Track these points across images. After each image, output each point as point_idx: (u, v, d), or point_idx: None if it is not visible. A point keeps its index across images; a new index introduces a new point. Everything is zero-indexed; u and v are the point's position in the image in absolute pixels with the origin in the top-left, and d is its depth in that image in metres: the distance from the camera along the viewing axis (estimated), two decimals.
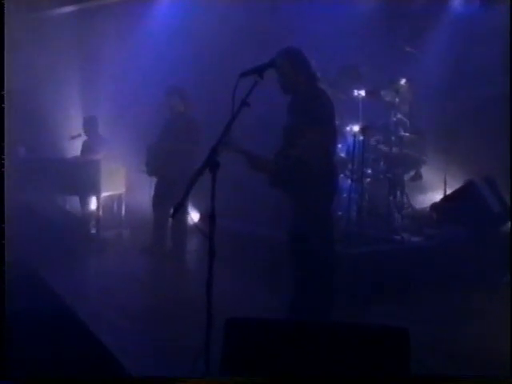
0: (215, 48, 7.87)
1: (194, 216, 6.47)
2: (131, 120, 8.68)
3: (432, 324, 4.52)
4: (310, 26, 7.31)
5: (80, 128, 8.42)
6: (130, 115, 8.80)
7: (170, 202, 6.18)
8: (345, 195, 6.23)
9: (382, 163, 6.65)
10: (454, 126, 7.40)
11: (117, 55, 8.89)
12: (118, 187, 8.23)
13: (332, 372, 2.52)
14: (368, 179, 6.53)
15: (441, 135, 7.33)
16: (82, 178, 7.72)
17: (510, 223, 6.40)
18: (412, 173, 7.05)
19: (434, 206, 6.88)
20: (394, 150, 6.56)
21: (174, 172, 6.17)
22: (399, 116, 6.72)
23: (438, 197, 7.17)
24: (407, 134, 6.68)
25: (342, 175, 6.14)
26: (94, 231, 7.80)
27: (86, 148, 8.40)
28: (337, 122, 4.39)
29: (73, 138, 8.44)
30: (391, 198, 6.59)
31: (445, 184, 7.24)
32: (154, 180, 6.75)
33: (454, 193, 6.81)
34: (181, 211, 3.05)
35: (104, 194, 7.91)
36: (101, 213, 7.84)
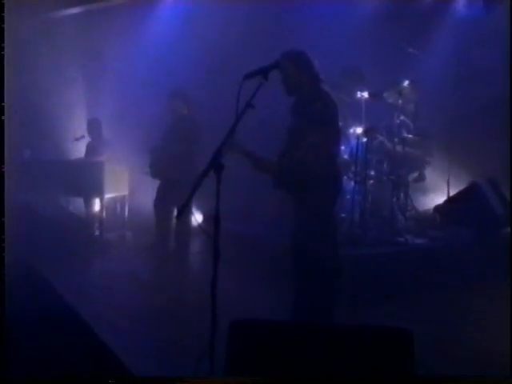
0: (219, 50, 7.88)
1: (198, 217, 6.48)
2: (135, 122, 8.69)
3: (436, 325, 4.52)
4: (314, 28, 7.33)
5: (84, 130, 8.45)
6: (133, 117, 8.82)
7: (173, 203, 6.21)
8: (348, 197, 6.23)
9: (385, 165, 6.66)
10: (457, 128, 7.40)
11: (120, 57, 8.90)
12: (121, 189, 8.24)
13: (335, 373, 2.52)
14: (371, 181, 6.53)
15: (444, 137, 7.33)
16: (85, 179, 7.73)
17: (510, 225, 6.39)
18: (415, 174, 7.05)
19: (438, 208, 6.88)
20: (397, 151, 6.56)
21: (177, 174, 6.17)
22: (402, 118, 6.72)
23: (441, 199, 7.18)
24: (410, 136, 6.69)
25: (345, 177, 6.14)
26: (97, 233, 7.81)
27: (90, 150, 8.43)
28: (340, 124, 4.39)
29: (76, 139, 8.46)
30: (394, 199, 6.60)
31: (448, 186, 7.24)
32: (157, 182, 6.75)
33: (457, 194, 6.82)
34: (185, 213, 3.06)
35: (107, 196, 7.91)
36: (104, 214, 7.85)
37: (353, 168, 6.27)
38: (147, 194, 7.62)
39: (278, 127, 4.27)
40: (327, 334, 2.68)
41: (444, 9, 8.10)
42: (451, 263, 5.69)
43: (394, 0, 7.72)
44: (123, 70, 8.86)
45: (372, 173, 6.52)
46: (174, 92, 6.59)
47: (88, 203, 8.14)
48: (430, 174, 7.19)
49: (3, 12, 3.29)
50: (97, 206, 8.08)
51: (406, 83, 6.66)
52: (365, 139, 6.15)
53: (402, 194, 6.78)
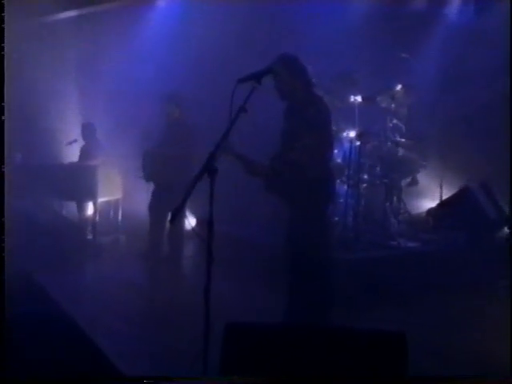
0: (213, 54, 7.90)
1: (191, 221, 6.48)
2: (128, 126, 8.68)
3: (428, 328, 4.53)
4: (307, 33, 7.35)
5: (77, 134, 8.44)
6: (126, 121, 8.82)
7: (166, 207, 6.17)
8: (341, 201, 6.25)
9: (378, 169, 6.67)
10: (449, 132, 7.44)
11: (114, 61, 8.91)
12: (114, 193, 8.24)
13: (329, 375, 2.54)
14: (364, 185, 6.55)
15: (437, 141, 7.36)
16: (79, 183, 7.73)
17: (509, 227, 6.42)
18: (408, 178, 7.07)
19: (430, 212, 6.92)
20: (391, 155, 6.59)
21: (170, 178, 6.17)
22: (395, 122, 6.75)
23: (434, 202, 7.21)
24: (403, 140, 6.72)
25: (338, 181, 6.16)
26: (90, 237, 7.80)
27: (84, 154, 8.42)
28: (333, 128, 4.42)
29: (69, 143, 8.46)
30: (387, 203, 6.62)
31: (441, 190, 7.27)
32: (151, 186, 6.75)
33: (449, 198, 6.85)
34: (179, 216, 3.07)
35: (101, 200, 7.91)
36: (98, 218, 7.85)
37: (346, 172, 6.28)
38: (141, 198, 7.62)
39: (271, 131, 4.30)
40: (321, 336, 2.69)
41: (436, 13, 8.14)
42: (444, 266, 5.71)
43: (386, 4, 7.76)
44: (116, 74, 8.86)
45: (365, 176, 6.54)
46: (167, 96, 6.60)
47: (81, 207, 8.13)
48: (422, 177, 7.21)
49: (3, 12, 3.29)
50: (90, 209, 8.08)
51: (399, 87, 6.69)
52: (358, 143, 6.17)
53: (394, 198, 6.80)
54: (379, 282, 5.28)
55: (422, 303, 5.15)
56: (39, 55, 8.75)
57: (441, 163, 7.27)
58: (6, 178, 3.39)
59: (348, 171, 6.24)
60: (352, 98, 6.34)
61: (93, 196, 7.76)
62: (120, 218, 8.35)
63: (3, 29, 3.25)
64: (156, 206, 6.51)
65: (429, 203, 7.36)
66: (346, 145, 6.30)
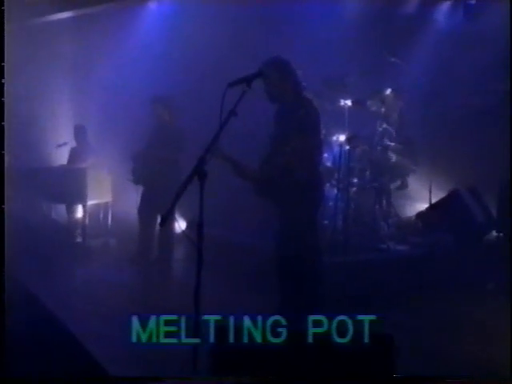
0: (203, 57, 7.91)
1: (181, 224, 6.48)
2: (118, 128, 8.68)
3: (418, 331, 4.55)
4: (297, 37, 7.38)
5: (67, 136, 8.42)
6: (116, 123, 8.81)
7: (156, 210, 6.19)
8: (331, 204, 6.27)
9: (367, 172, 6.70)
10: (439, 136, 7.49)
11: (105, 64, 8.89)
12: (104, 195, 8.20)
13: (320, 377, 2.55)
14: (354, 188, 6.57)
15: (426, 145, 7.40)
16: (68, 186, 7.70)
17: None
18: (398, 182, 7.10)
19: (420, 215, 6.95)
20: (380, 159, 6.62)
21: (160, 180, 6.17)
22: (385, 126, 6.78)
23: (423, 206, 7.24)
24: (393, 144, 6.75)
25: (328, 184, 6.18)
26: (80, 240, 7.76)
27: (74, 156, 8.39)
28: (323, 132, 4.43)
29: (59, 146, 8.43)
30: (377, 207, 6.65)
31: (430, 193, 7.29)
32: (141, 188, 6.74)
33: (438, 202, 6.88)
34: (169, 219, 3.07)
35: (90, 203, 7.88)
36: (87, 221, 7.82)
37: (336, 175, 6.30)
38: (131, 201, 7.60)
39: (261, 135, 4.31)
40: (311, 338, 2.71)
41: (426, 17, 8.20)
42: (433, 269, 5.74)
43: (377, 9, 7.80)
44: (107, 77, 8.85)
45: (355, 180, 6.56)
46: (156, 98, 6.60)
47: (71, 210, 8.10)
48: (412, 181, 7.25)
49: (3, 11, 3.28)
50: (80, 212, 8.04)
51: (389, 91, 6.73)
52: (348, 147, 6.19)
53: (384, 202, 6.84)
54: (369, 284, 5.30)
55: (412, 306, 5.17)
56: (29, 58, 8.71)
57: (430, 167, 7.30)
58: None
59: (338, 175, 6.26)
60: (342, 102, 6.35)
61: (82, 199, 7.72)
62: (110, 220, 8.32)
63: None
64: (146, 208, 6.51)
65: (418, 207, 7.40)
66: (336, 148, 6.32)
